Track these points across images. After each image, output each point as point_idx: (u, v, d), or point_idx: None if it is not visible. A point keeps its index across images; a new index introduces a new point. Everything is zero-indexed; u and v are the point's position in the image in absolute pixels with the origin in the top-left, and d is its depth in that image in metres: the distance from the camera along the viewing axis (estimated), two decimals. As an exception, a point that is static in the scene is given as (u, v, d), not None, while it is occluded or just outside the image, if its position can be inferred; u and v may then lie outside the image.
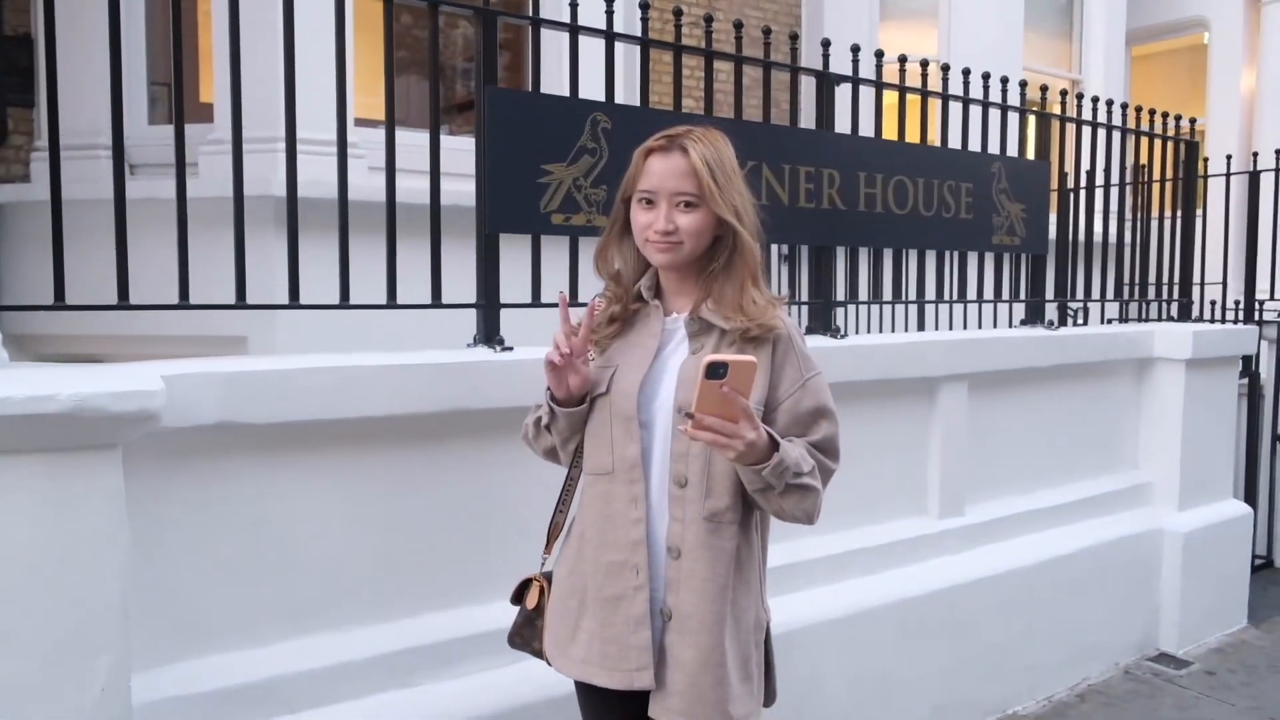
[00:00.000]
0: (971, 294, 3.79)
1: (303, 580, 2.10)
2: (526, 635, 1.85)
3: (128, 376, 1.78)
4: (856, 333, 3.88)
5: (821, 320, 3.15)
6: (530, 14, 2.61)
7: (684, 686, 1.62)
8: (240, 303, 2.19)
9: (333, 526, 2.14)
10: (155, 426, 1.79)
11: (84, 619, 1.69)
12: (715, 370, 1.41)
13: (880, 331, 4.55)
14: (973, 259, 3.74)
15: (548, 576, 1.84)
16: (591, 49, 2.67)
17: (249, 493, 2.04)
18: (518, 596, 1.88)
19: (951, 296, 3.61)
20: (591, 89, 2.67)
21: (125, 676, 1.74)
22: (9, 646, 1.64)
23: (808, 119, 3.26)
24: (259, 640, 2.05)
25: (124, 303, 2.09)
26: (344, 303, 2.31)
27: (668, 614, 1.64)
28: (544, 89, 2.61)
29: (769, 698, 1.78)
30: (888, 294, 3.44)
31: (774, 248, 4.45)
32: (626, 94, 3.86)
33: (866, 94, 3.28)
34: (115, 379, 1.75)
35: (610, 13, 2.73)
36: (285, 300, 2.26)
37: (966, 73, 3.59)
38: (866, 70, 3.26)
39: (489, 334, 2.42)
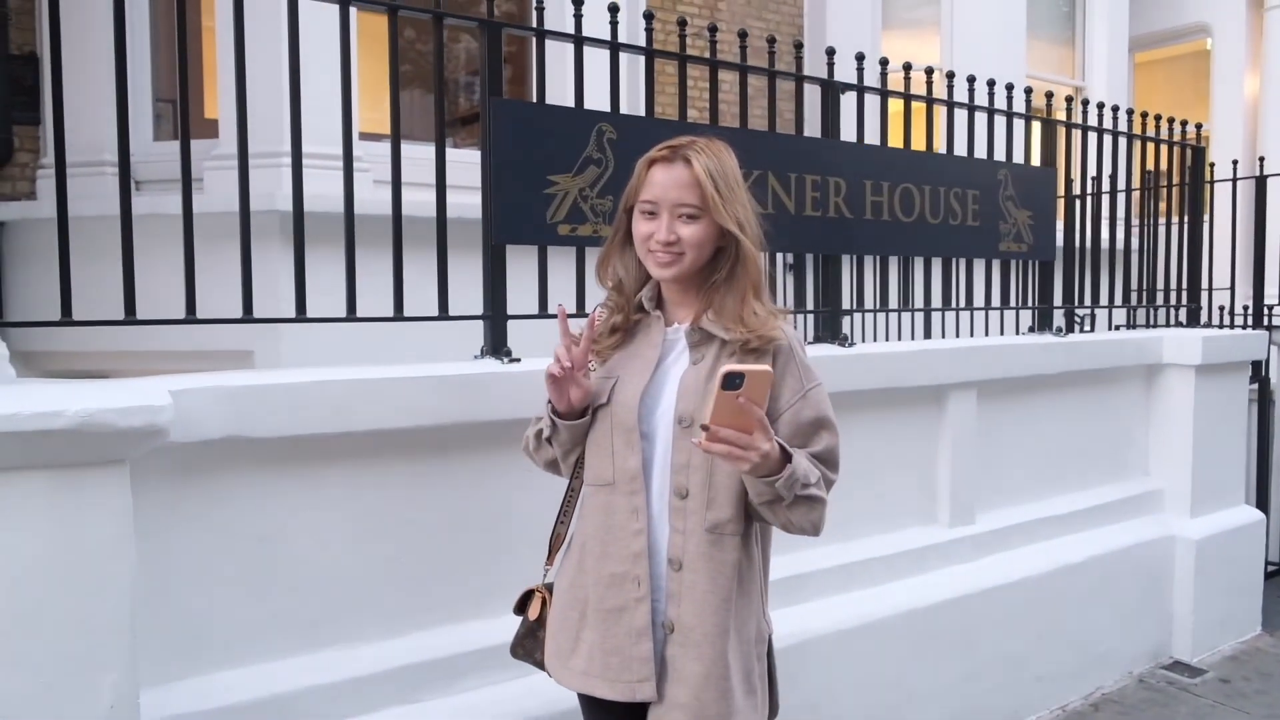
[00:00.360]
0: (979, 301, 3.78)
1: (310, 595, 2.09)
2: (529, 646, 1.84)
3: (135, 392, 1.78)
4: (864, 341, 3.87)
5: (829, 329, 3.14)
6: (534, 25, 2.61)
7: (687, 699, 1.60)
8: (247, 316, 2.19)
9: (339, 540, 2.13)
10: (162, 442, 1.78)
11: (91, 636, 1.68)
12: (731, 380, 1.39)
13: (887, 340, 4.54)
14: (980, 266, 3.73)
15: (550, 588, 1.83)
16: (595, 60, 2.67)
17: (256, 507, 2.03)
18: (520, 607, 1.87)
19: (958, 304, 3.60)
20: (595, 100, 2.67)
21: (133, 693, 1.73)
22: (16, 664, 1.63)
23: (812, 128, 3.26)
24: (266, 656, 2.03)
25: (130, 318, 2.09)
26: (351, 316, 2.30)
27: (669, 626, 1.63)
28: (547, 101, 2.61)
29: (771, 710, 1.77)
30: (895, 302, 3.43)
31: (779, 257, 4.45)
32: (630, 104, 3.86)
33: (871, 102, 3.28)
34: (122, 394, 1.74)
35: (614, 23, 2.73)
36: (291, 314, 2.26)
37: (972, 80, 3.59)
38: (871, 78, 3.26)
39: (496, 345, 2.41)
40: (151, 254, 2.60)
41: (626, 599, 1.64)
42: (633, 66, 4.36)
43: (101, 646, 1.69)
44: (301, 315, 2.24)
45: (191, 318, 2.14)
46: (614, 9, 2.68)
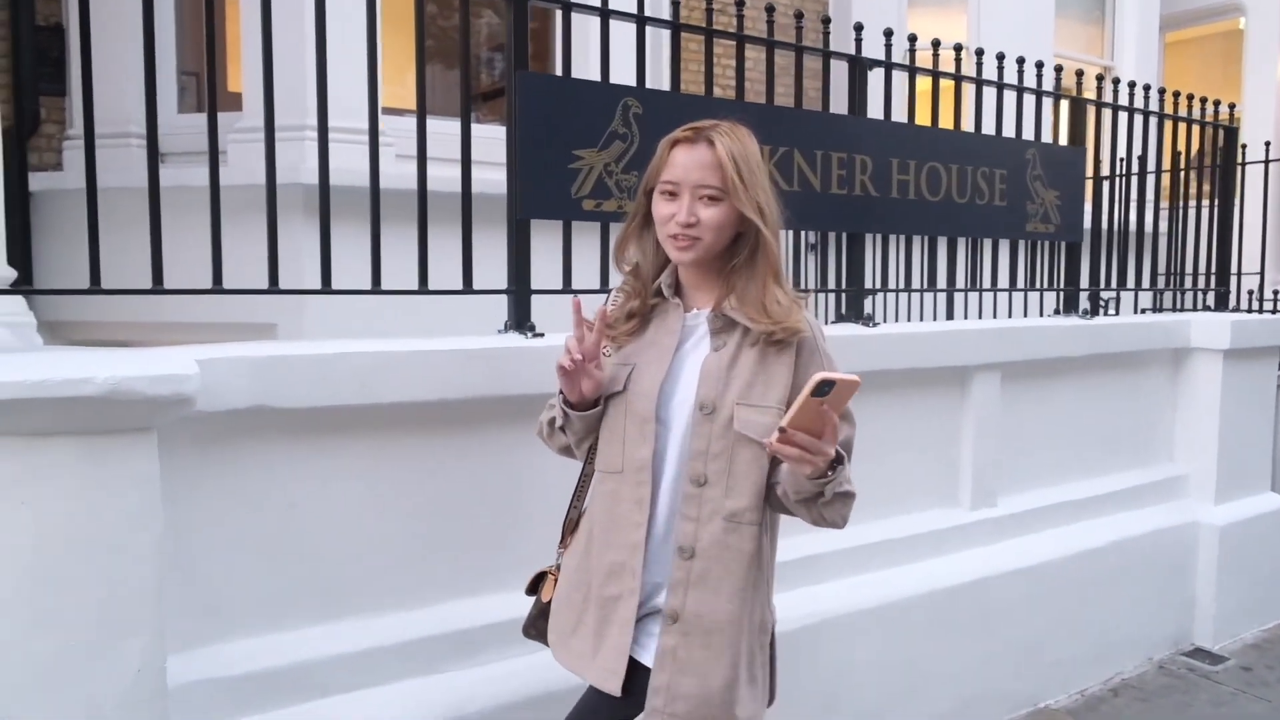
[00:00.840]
0: (1004, 282, 3.74)
1: (333, 565, 2.10)
2: (541, 627, 1.84)
3: (162, 360, 1.78)
4: (886, 321, 3.84)
5: (853, 309, 3.11)
6: (560, -2, 2.59)
7: (694, 689, 1.59)
8: (273, 288, 2.19)
9: (362, 511, 2.14)
10: (189, 410, 1.79)
11: (119, 601, 1.70)
12: (822, 388, 1.40)
13: (910, 320, 4.51)
14: (1005, 246, 3.69)
15: (561, 568, 1.83)
16: (620, 34, 2.65)
17: (280, 477, 2.04)
18: (533, 588, 1.87)
19: (981, 285, 3.57)
20: (620, 74, 2.64)
21: (160, 658, 1.75)
22: (45, 626, 1.65)
23: (838, 105, 3.22)
24: (290, 624, 2.05)
25: (159, 287, 2.10)
26: (376, 288, 2.30)
27: (673, 616, 1.61)
28: (571, 75, 2.59)
29: (769, 697, 1.76)
30: (919, 282, 3.40)
31: (800, 237, 4.41)
32: (654, 79, 3.83)
33: (898, 80, 3.23)
34: (150, 363, 1.75)
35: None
36: (314, 287, 2.26)
37: (1001, 57, 3.54)
38: (898, 56, 3.21)
39: (520, 320, 2.40)
40: (173, 226, 2.59)
41: (622, 589, 1.64)
42: (656, 41, 4.32)
43: (129, 611, 1.71)
44: (327, 287, 2.24)
45: (219, 288, 2.15)
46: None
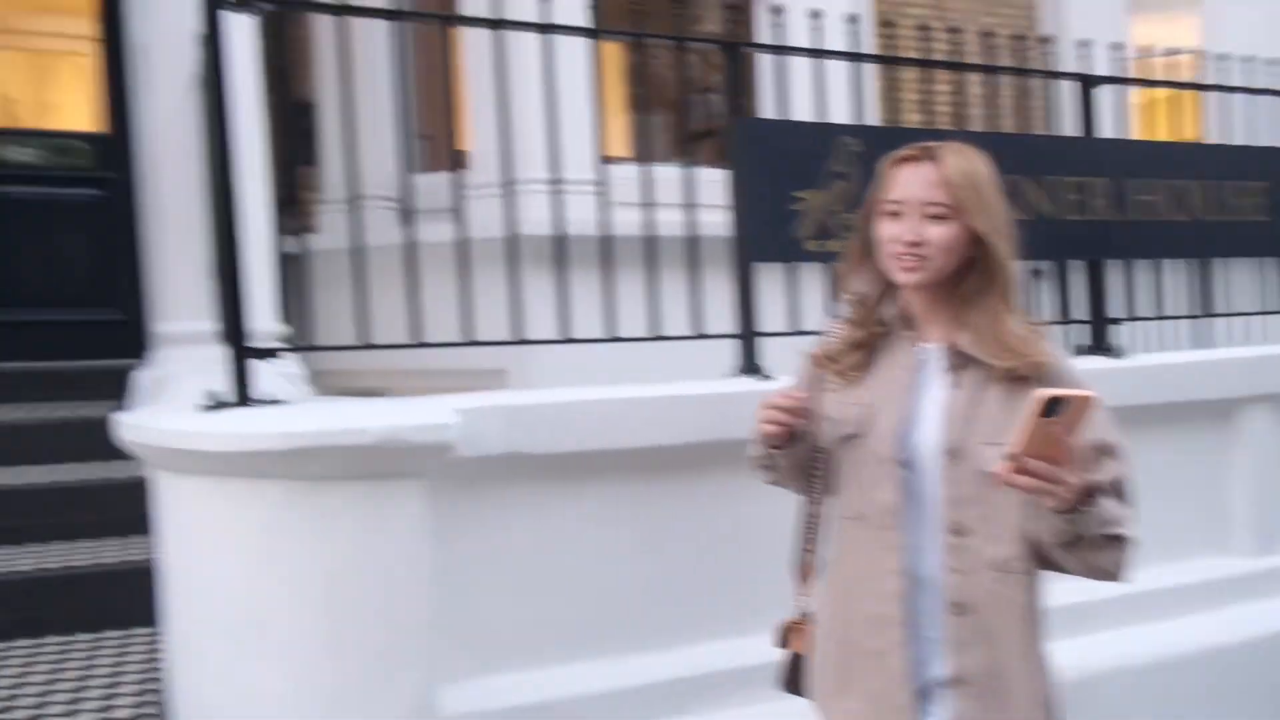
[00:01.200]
0: (1272, 305, 3.39)
1: (581, 605, 2.17)
2: (798, 681, 1.76)
3: (427, 410, 1.93)
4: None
5: (1096, 339, 2.91)
6: (769, 42, 2.62)
7: None
8: (517, 338, 2.33)
9: (605, 553, 2.19)
10: (452, 456, 1.91)
11: (396, 634, 1.84)
12: (1051, 407, 1.26)
13: (1161, 351, 4.16)
14: (1268, 266, 3.35)
15: (807, 618, 1.75)
16: (803, 70, 2.64)
17: (531, 519, 2.13)
18: (783, 640, 1.82)
19: (1242, 310, 3.25)
20: (831, 108, 2.62)
21: (431, 689, 1.87)
22: (335, 657, 1.80)
23: (1059, 125, 3.06)
24: (544, 661, 2.12)
25: (418, 341, 2.28)
26: (611, 336, 2.39)
27: (958, 679, 1.50)
28: (775, 116, 2.61)
29: None
30: (1169, 309, 3.14)
31: (1026, 264, 4.19)
32: (859, 114, 3.77)
33: (1130, 95, 3.03)
34: (417, 413, 1.90)
35: (856, 33, 2.68)
36: (542, 335, 2.39)
37: (1249, 60, 3.24)
38: (1118, 69, 3.02)
39: (749, 364, 2.42)
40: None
41: (887, 642, 1.55)
42: (853, 74, 4.27)
43: (404, 644, 1.84)
44: (566, 336, 2.35)
45: (471, 340, 2.31)
46: (854, 18, 2.64)
